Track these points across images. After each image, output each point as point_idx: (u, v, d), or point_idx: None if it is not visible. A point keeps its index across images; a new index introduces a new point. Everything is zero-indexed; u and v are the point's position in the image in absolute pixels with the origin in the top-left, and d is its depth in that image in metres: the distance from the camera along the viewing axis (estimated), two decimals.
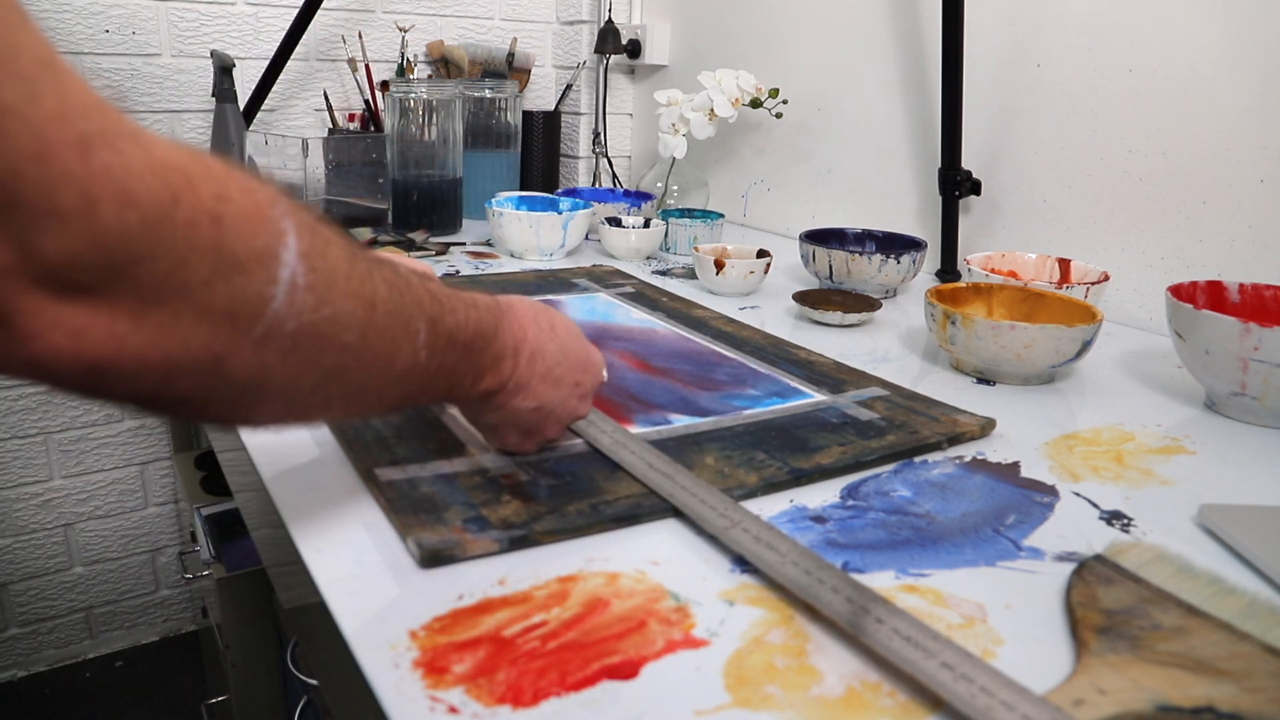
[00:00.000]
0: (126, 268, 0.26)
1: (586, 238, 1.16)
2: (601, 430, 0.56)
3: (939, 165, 1.04)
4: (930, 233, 1.10)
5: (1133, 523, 0.49)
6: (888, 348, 0.81)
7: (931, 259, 1.07)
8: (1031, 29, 0.99)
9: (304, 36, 1.27)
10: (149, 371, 0.29)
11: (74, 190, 0.25)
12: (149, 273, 0.27)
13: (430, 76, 1.50)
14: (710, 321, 0.84)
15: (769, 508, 0.49)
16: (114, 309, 0.27)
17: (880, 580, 0.42)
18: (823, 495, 0.51)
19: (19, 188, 0.24)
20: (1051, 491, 0.53)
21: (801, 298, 0.89)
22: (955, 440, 0.59)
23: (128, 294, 0.27)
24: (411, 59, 1.46)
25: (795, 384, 0.68)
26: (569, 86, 1.57)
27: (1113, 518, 0.50)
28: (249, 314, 0.30)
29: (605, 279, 0.99)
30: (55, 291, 0.26)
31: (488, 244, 1.18)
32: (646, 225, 1.12)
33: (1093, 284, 0.81)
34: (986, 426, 0.60)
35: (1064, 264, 0.89)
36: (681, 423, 0.59)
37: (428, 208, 1.23)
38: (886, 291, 0.98)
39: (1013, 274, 0.90)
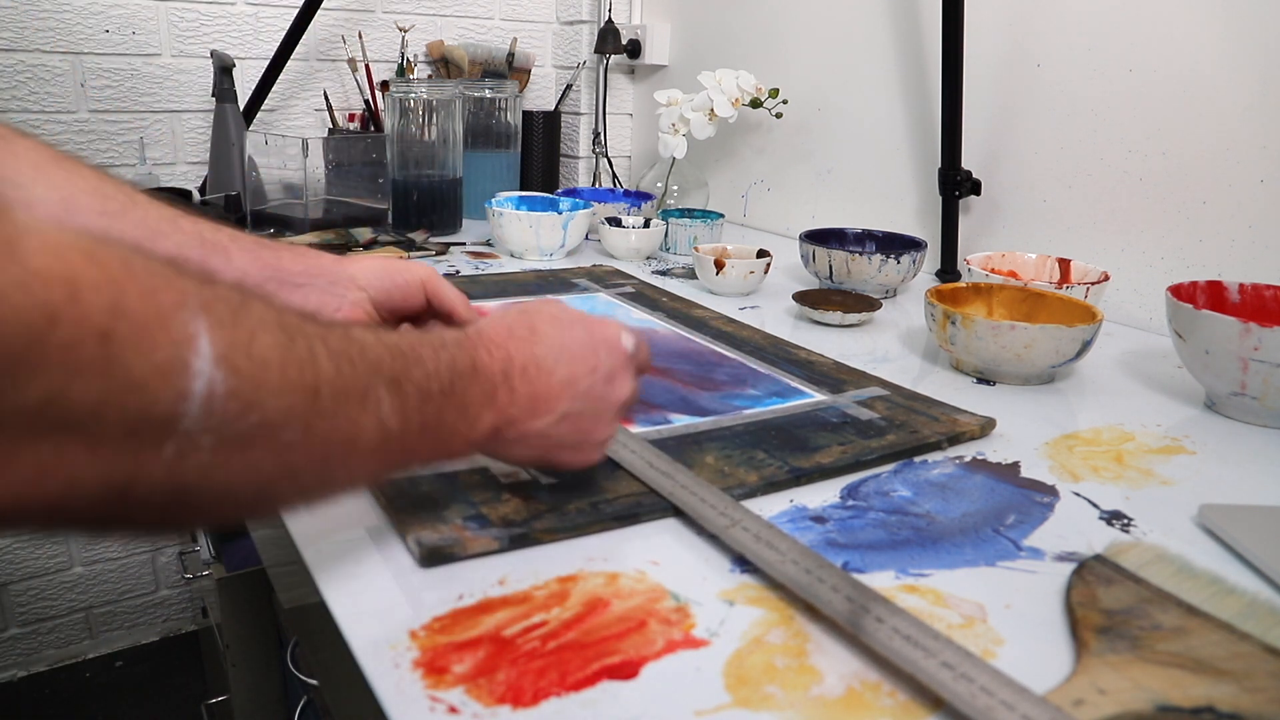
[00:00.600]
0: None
1: (586, 238, 1.16)
2: None
3: (939, 165, 1.04)
4: (930, 233, 1.10)
5: (1133, 523, 0.49)
6: (888, 348, 0.81)
7: (931, 259, 1.07)
8: (1031, 29, 0.99)
9: (304, 36, 1.27)
10: (35, 509, 0.24)
11: None
12: (14, 406, 0.22)
13: (430, 76, 1.50)
14: (710, 321, 0.84)
15: (769, 507, 0.49)
16: None
17: (880, 580, 0.42)
18: (823, 495, 0.51)
19: None
20: (1051, 491, 0.53)
21: (801, 298, 0.89)
22: (955, 440, 0.59)
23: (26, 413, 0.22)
24: (411, 59, 1.46)
25: (795, 384, 0.68)
26: (569, 86, 1.58)
27: (1113, 518, 0.50)
28: (154, 435, 0.25)
29: (605, 279, 0.99)
30: None
31: (488, 244, 1.18)
32: (646, 225, 1.12)
33: (1093, 284, 0.81)
34: (986, 426, 0.60)
35: (1064, 264, 0.89)
36: (681, 422, 0.59)
37: (428, 208, 1.23)
38: (886, 291, 0.98)
39: (1013, 274, 0.90)
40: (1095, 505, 0.51)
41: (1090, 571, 0.43)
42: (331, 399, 0.31)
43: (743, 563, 0.43)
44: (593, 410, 0.44)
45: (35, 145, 0.50)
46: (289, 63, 1.29)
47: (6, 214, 0.22)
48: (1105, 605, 0.40)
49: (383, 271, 0.62)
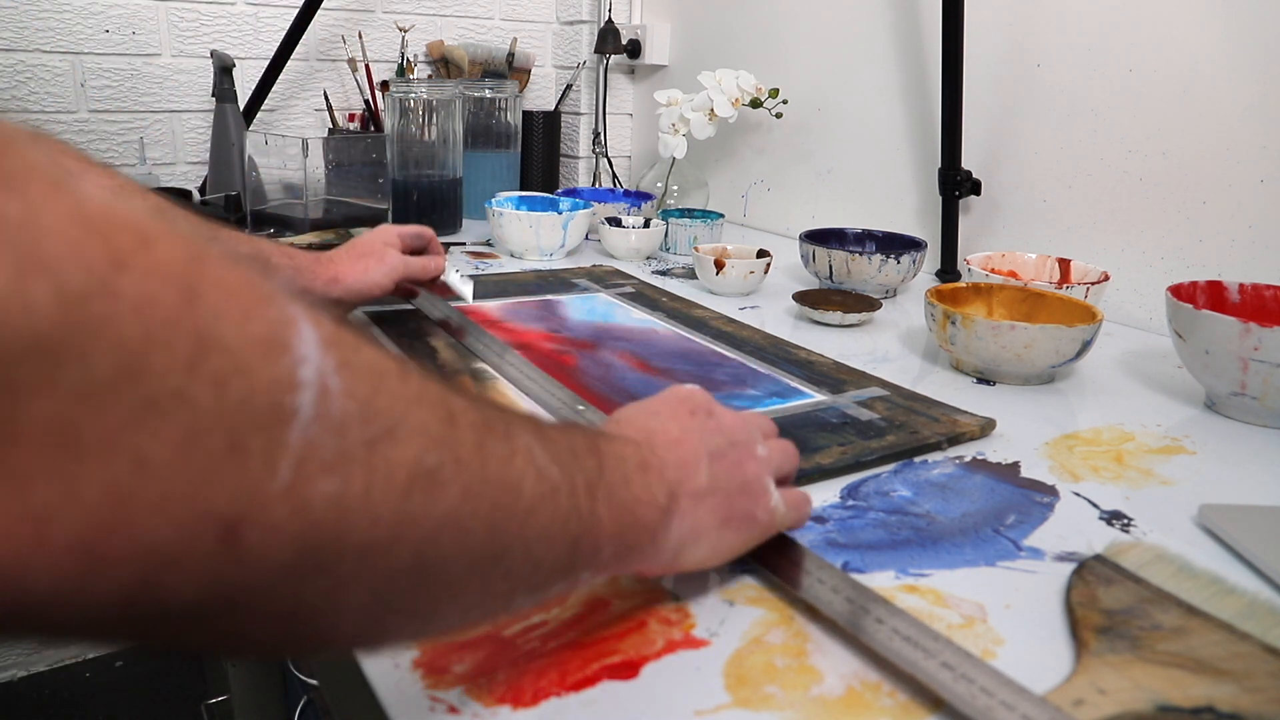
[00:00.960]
0: (32, 377, 0.15)
1: (586, 238, 1.16)
2: None
3: (939, 165, 1.04)
4: (930, 233, 1.10)
5: (1133, 523, 0.49)
6: (888, 348, 0.81)
7: (931, 259, 1.07)
8: (1031, 29, 0.99)
9: (304, 36, 1.27)
10: (106, 577, 0.17)
11: None
12: (75, 384, 0.16)
13: (430, 76, 1.50)
14: (710, 321, 0.84)
15: None
16: (15, 467, 0.15)
17: (880, 580, 0.42)
18: (823, 495, 0.51)
19: None
20: (1051, 491, 0.53)
21: (801, 298, 0.89)
22: (955, 440, 0.59)
23: (39, 428, 0.16)
24: (411, 59, 1.46)
25: (795, 384, 0.68)
26: (569, 86, 1.57)
27: (1113, 518, 0.50)
28: (264, 440, 0.19)
29: (605, 279, 0.99)
30: None
31: (488, 244, 1.18)
32: (646, 225, 1.12)
33: (1093, 284, 0.81)
34: (986, 426, 0.60)
35: (1064, 264, 0.89)
36: None
37: (428, 208, 1.23)
38: (886, 291, 0.98)
39: (1013, 274, 0.90)
40: (1095, 505, 0.51)
41: (1090, 571, 0.43)
42: (471, 428, 0.25)
43: (742, 562, 0.43)
44: (726, 442, 0.39)
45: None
46: (289, 63, 1.29)
47: (60, 161, 0.18)
48: (1105, 605, 0.40)
49: (365, 291, 0.72)
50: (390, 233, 0.77)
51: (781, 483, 0.42)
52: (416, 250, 0.80)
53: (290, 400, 0.19)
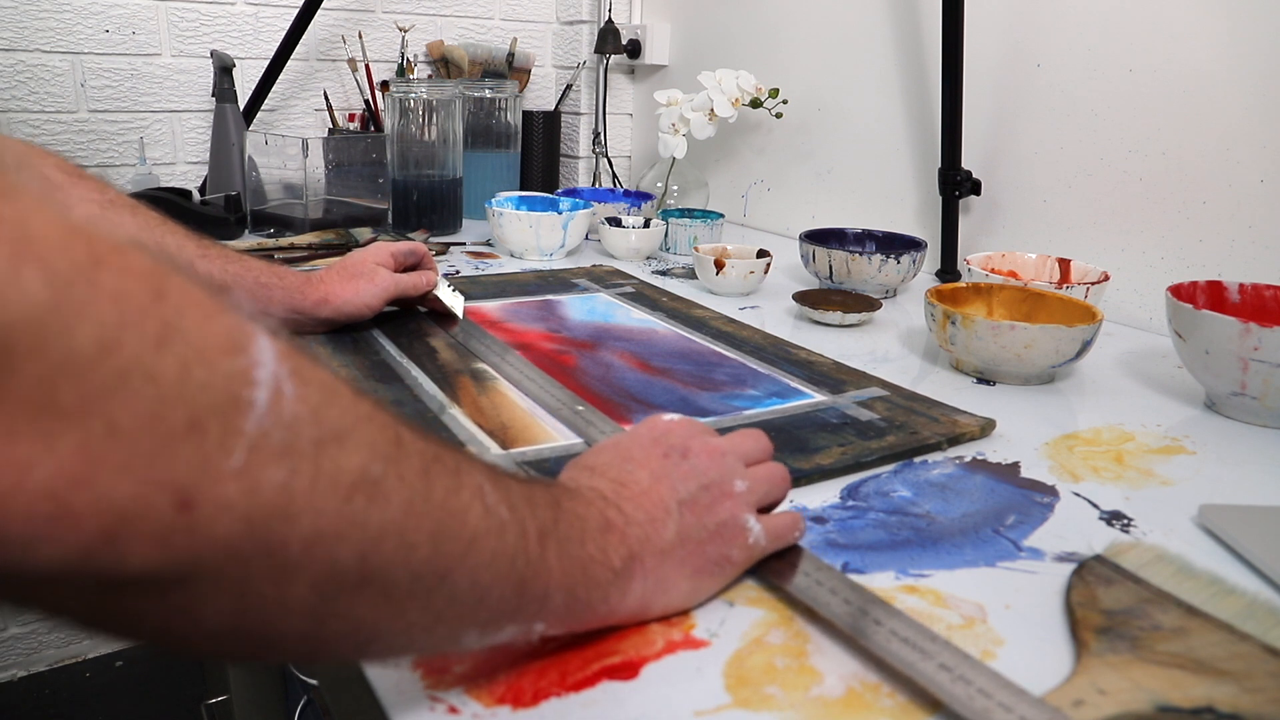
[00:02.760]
0: (22, 347, 0.18)
1: (586, 238, 1.16)
2: (601, 430, 0.56)
3: (939, 165, 1.04)
4: (930, 233, 1.10)
5: (1133, 523, 0.49)
6: (888, 348, 0.81)
7: (931, 259, 1.07)
8: (1031, 29, 0.99)
9: (304, 36, 1.27)
10: (72, 528, 0.19)
11: None
12: (58, 355, 0.18)
13: (430, 76, 1.50)
14: (710, 321, 0.84)
15: None
16: (3, 423, 0.18)
17: (880, 581, 0.42)
18: (823, 496, 0.51)
19: None
20: (1051, 492, 0.53)
21: (801, 298, 0.89)
22: (955, 440, 0.59)
23: (26, 391, 0.18)
24: (411, 59, 1.46)
25: (795, 384, 0.68)
26: (569, 86, 1.57)
27: (1113, 518, 0.50)
28: (219, 426, 0.21)
29: (605, 279, 0.99)
30: None
31: (488, 244, 1.18)
32: (646, 225, 1.12)
33: (1093, 284, 0.81)
34: (986, 427, 0.60)
35: (1064, 264, 0.89)
36: None
37: (428, 208, 1.23)
38: (886, 291, 0.98)
39: (1013, 274, 0.90)
40: (1095, 505, 0.51)
41: (1090, 572, 0.43)
42: (418, 455, 0.27)
43: None
44: (698, 486, 0.39)
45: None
46: (289, 63, 1.29)
47: (39, 180, 0.21)
48: (1105, 605, 0.40)
49: (354, 313, 0.73)
50: (383, 252, 0.76)
51: (770, 507, 0.42)
52: (409, 268, 0.80)
53: (246, 393, 0.22)
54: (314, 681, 0.80)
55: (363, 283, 0.73)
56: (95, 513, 0.19)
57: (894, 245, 1.03)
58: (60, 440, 0.18)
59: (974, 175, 1.03)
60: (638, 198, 1.27)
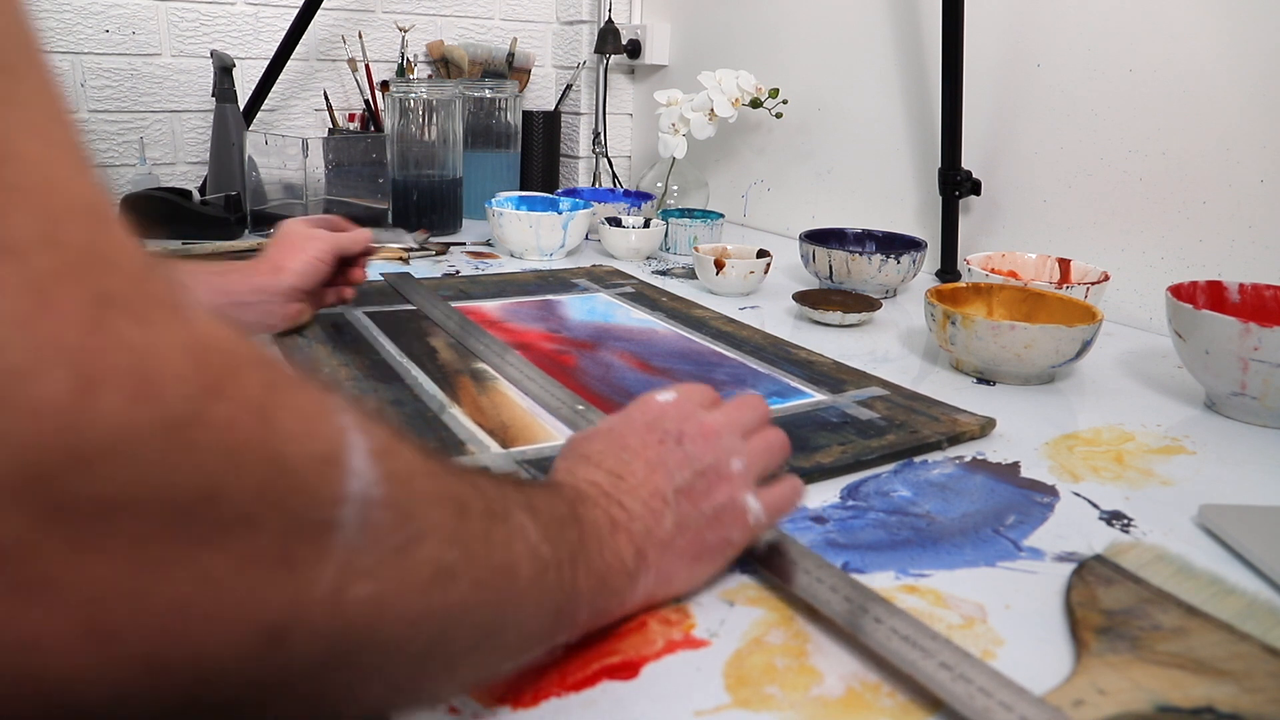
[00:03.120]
0: (123, 498, 0.17)
1: (586, 238, 1.16)
2: None
3: (939, 165, 1.04)
4: (930, 233, 1.10)
5: (1133, 523, 0.49)
6: (888, 348, 0.81)
7: (931, 259, 1.07)
8: (1031, 29, 0.99)
9: (304, 36, 1.27)
10: (163, 683, 0.18)
11: (66, 368, 0.16)
12: (160, 506, 0.17)
13: (430, 76, 1.50)
14: (710, 321, 0.84)
15: None
16: (91, 585, 0.17)
17: (880, 580, 0.42)
18: (823, 495, 0.51)
19: None
20: (1051, 491, 0.53)
21: (801, 298, 0.89)
22: (955, 440, 0.59)
23: (120, 549, 0.17)
24: (411, 59, 1.46)
25: (795, 384, 0.68)
26: (569, 86, 1.57)
27: (1113, 518, 0.50)
28: (313, 549, 0.21)
29: (605, 279, 0.99)
30: None
31: (488, 244, 1.18)
32: (646, 225, 1.12)
33: (1093, 284, 0.81)
34: (986, 426, 0.60)
35: (1064, 264, 0.89)
36: None
37: (428, 208, 1.23)
38: (886, 291, 0.98)
39: (1013, 274, 0.90)
40: (1095, 505, 0.51)
41: (1090, 572, 0.43)
42: (479, 518, 0.28)
43: (743, 563, 0.43)
44: (693, 473, 0.39)
45: None
46: (289, 63, 1.28)
47: (170, 280, 0.20)
48: (1105, 605, 0.40)
49: (309, 269, 0.72)
50: (298, 222, 0.76)
51: (772, 476, 0.42)
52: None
53: (337, 514, 0.21)
54: None
55: (301, 242, 0.73)
56: (187, 666, 0.19)
57: (894, 245, 1.03)
58: (153, 598, 0.18)
59: (974, 175, 1.03)
60: (638, 198, 1.27)
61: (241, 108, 1.26)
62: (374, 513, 0.22)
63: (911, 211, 1.16)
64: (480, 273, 1.01)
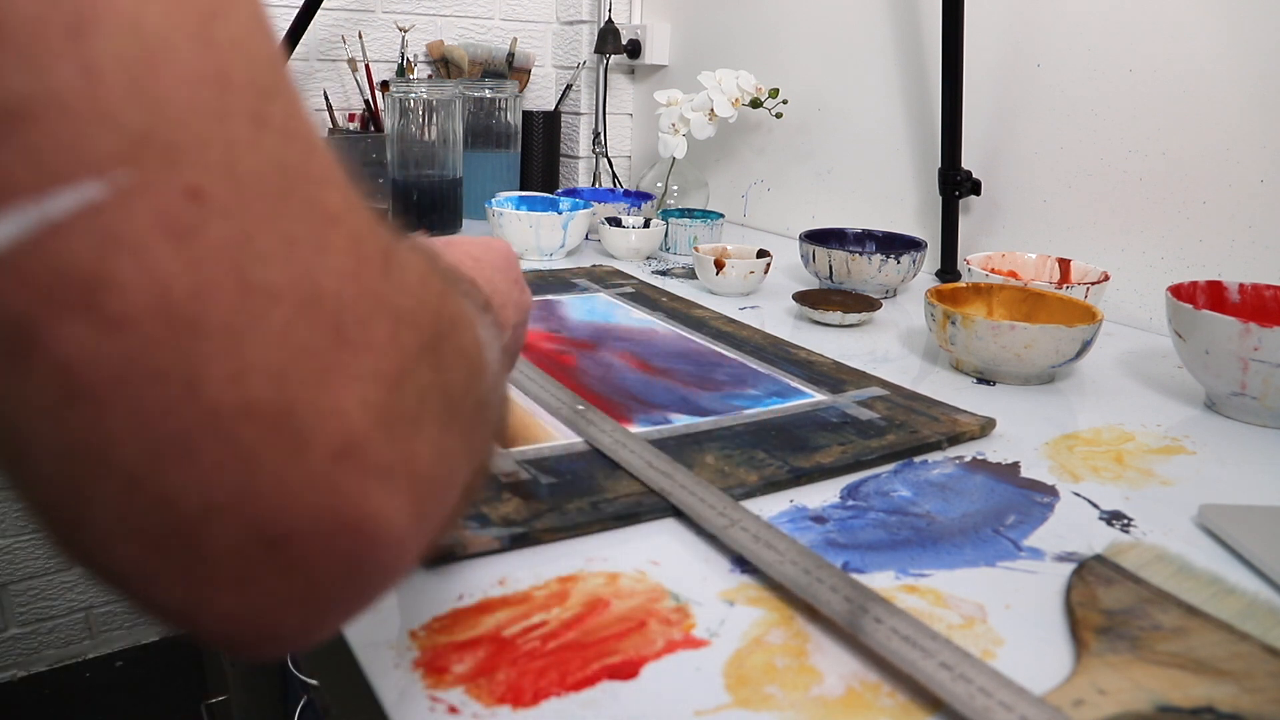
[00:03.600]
0: (428, 415, 0.21)
1: (586, 238, 1.16)
2: (601, 430, 0.56)
3: (939, 165, 1.04)
4: (930, 233, 1.10)
5: (1133, 523, 0.49)
6: (888, 348, 0.81)
7: (931, 259, 1.07)
8: (1031, 29, 0.99)
9: (304, 36, 1.27)
10: (439, 531, 0.23)
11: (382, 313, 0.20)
12: (456, 412, 0.22)
13: (430, 76, 1.50)
14: (710, 321, 0.84)
15: (769, 507, 0.49)
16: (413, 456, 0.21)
17: (880, 580, 0.42)
18: (823, 495, 0.51)
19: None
20: (1051, 492, 0.53)
21: (801, 298, 0.89)
22: (955, 440, 0.59)
23: (430, 441, 0.21)
24: (411, 59, 1.46)
25: (795, 384, 0.68)
26: (569, 86, 1.57)
27: (1113, 518, 0.50)
28: (491, 407, 0.27)
29: (605, 279, 0.99)
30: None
31: None
32: (646, 225, 1.12)
33: (1093, 284, 0.81)
34: (986, 426, 0.60)
35: (1064, 264, 0.89)
36: (681, 422, 0.59)
37: (428, 208, 1.23)
38: (886, 291, 0.98)
39: (1013, 274, 0.90)
40: (1095, 505, 0.51)
41: (1090, 571, 0.43)
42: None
43: (743, 563, 0.43)
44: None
45: None
46: (289, 63, 1.28)
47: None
48: (1105, 605, 0.40)
49: None
50: None
51: None
52: None
53: (485, 359, 0.27)
54: (314, 681, 0.80)
55: None
56: (448, 521, 0.24)
57: (894, 245, 1.03)
58: (449, 481, 0.23)
59: (974, 175, 1.03)
60: (638, 198, 1.27)
61: None
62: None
63: (911, 211, 1.16)
64: None
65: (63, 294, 0.15)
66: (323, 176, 0.19)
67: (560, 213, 1.09)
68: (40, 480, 0.16)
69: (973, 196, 1.05)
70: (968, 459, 0.57)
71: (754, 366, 0.72)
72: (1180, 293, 0.69)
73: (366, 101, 1.41)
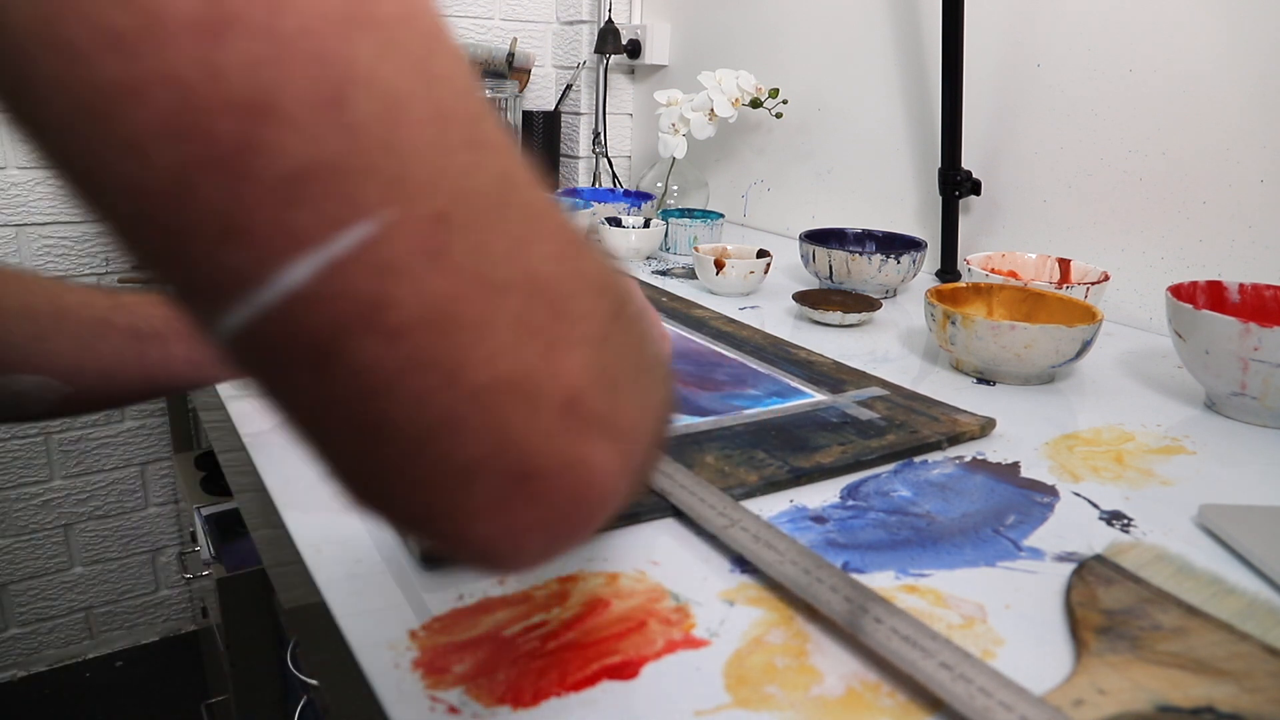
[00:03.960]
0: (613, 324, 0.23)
1: None
2: None
3: (939, 165, 1.04)
4: (930, 233, 1.10)
5: (1133, 523, 0.49)
6: (888, 348, 0.81)
7: (931, 259, 1.07)
8: (1031, 29, 0.99)
9: None
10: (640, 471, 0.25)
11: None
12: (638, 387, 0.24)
13: None
14: (710, 321, 0.84)
15: (769, 507, 0.49)
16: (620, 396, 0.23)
17: (880, 580, 0.42)
18: (823, 495, 0.51)
19: None
20: (1051, 491, 0.53)
21: (801, 298, 0.89)
22: (955, 440, 0.59)
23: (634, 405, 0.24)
24: None
25: (795, 384, 0.68)
26: (569, 86, 1.57)
27: (1113, 518, 0.50)
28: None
29: None
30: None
31: None
32: (646, 225, 1.12)
33: (1093, 284, 0.81)
34: (986, 426, 0.60)
35: (1064, 264, 0.89)
36: (681, 422, 0.59)
37: None
38: (886, 291, 0.98)
39: (1013, 274, 0.90)
40: (1095, 505, 0.51)
41: (1090, 571, 0.43)
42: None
43: (743, 563, 0.43)
44: None
45: None
46: None
47: None
48: (1105, 605, 0.40)
49: None
50: None
51: None
52: None
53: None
54: (314, 681, 0.80)
55: None
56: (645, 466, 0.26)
57: (894, 245, 1.03)
58: (642, 425, 0.24)
59: (974, 175, 1.03)
60: (638, 198, 1.27)
61: None
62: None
63: (911, 211, 1.16)
64: None
65: (353, 316, 0.18)
66: (525, 179, 0.22)
67: None
68: (343, 455, 0.21)
69: (973, 196, 1.05)
70: (968, 459, 0.57)
71: (754, 366, 0.72)
72: (1180, 293, 0.69)
73: None
